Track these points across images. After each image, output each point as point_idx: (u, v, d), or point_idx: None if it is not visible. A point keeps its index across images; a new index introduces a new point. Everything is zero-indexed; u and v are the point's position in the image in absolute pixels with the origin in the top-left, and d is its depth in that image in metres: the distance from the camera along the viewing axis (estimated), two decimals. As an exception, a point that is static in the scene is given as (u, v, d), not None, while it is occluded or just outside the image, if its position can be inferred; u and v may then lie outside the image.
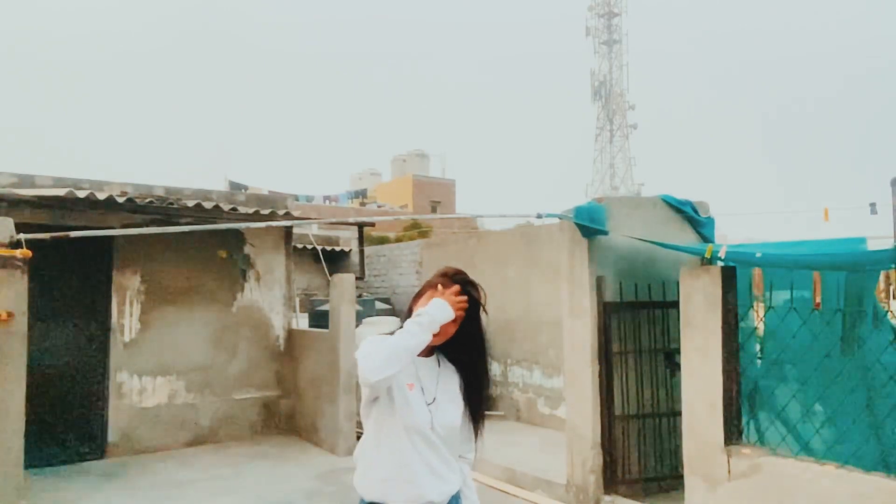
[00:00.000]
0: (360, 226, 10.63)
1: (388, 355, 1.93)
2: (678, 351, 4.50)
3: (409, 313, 2.14)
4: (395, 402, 2.06)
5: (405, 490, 2.04)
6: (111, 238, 7.02)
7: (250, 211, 7.30)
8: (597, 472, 5.10)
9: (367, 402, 2.10)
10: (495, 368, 9.01)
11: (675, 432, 4.97)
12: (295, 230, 9.29)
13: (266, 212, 7.39)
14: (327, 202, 35.78)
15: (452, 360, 2.20)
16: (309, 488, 6.03)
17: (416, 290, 2.22)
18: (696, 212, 5.43)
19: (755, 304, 4.34)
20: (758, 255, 4.10)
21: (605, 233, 5.12)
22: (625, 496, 5.03)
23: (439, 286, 2.13)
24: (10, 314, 4.39)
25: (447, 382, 2.17)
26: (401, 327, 2.05)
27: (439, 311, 2.03)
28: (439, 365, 2.19)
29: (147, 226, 6.97)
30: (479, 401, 2.20)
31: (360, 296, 9.75)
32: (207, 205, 6.96)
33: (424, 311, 2.03)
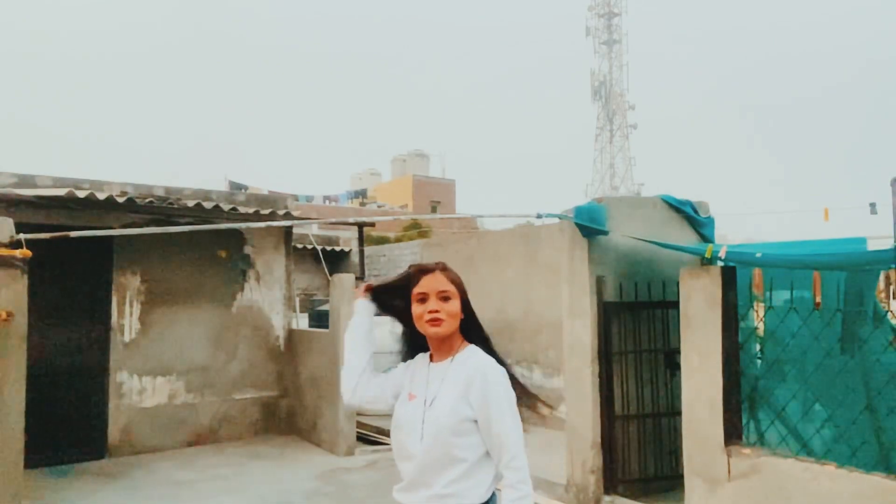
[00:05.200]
0: (360, 226, 10.65)
1: None
2: (678, 351, 4.49)
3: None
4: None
5: None
6: (111, 238, 7.01)
7: (250, 211, 7.31)
8: (597, 472, 5.09)
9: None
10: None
11: (675, 432, 4.96)
12: (295, 230, 9.29)
13: (266, 212, 7.39)
14: (327, 202, 35.74)
15: None
16: (309, 488, 6.03)
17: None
18: (696, 212, 5.43)
19: (755, 304, 4.35)
20: (758, 255, 4.11)
21: (605, 233, 5.11)
22: (625, 496, 5.03)
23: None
24: (10, 314, 4.37)
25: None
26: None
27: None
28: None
29: (147, 226, 6.97)
30: None
31: (360, 296, 9.73)
32: (207, 205, 6.96)
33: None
